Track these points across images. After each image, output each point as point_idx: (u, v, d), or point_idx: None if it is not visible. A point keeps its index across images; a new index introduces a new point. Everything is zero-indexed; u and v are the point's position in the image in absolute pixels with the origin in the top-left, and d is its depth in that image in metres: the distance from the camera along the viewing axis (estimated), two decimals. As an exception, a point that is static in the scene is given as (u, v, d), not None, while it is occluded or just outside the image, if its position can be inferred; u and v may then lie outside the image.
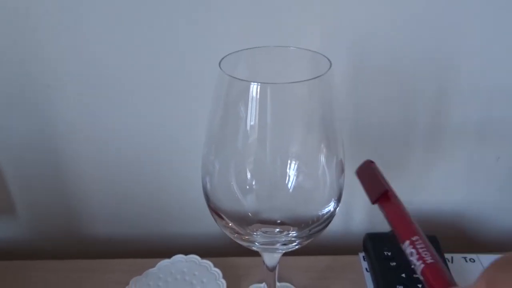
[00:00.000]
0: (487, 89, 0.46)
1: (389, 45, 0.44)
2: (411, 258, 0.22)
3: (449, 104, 0.47)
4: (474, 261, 0.48)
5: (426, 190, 0.52)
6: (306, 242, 0.32)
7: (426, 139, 0.49)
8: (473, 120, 0.48)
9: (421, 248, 0.22)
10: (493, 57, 0.45)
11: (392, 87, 0.46)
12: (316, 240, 0.42)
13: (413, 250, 0.22)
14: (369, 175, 0.27)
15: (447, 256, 0.47)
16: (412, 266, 0.23)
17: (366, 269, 0.47)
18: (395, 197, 0.26)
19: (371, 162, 0.28)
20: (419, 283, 0.41)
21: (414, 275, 0.42)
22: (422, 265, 0.21)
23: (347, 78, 0.45)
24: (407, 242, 0.23)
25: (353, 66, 0.44)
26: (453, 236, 0.54)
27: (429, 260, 0.21)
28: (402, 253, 0.45)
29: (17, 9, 0.42)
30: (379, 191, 0.26)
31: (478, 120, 0.48)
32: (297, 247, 0.33)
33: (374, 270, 0.44)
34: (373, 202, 0.26)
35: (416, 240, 0.23)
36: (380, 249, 0.45)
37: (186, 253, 0.47)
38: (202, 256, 0.47)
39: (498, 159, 0.50)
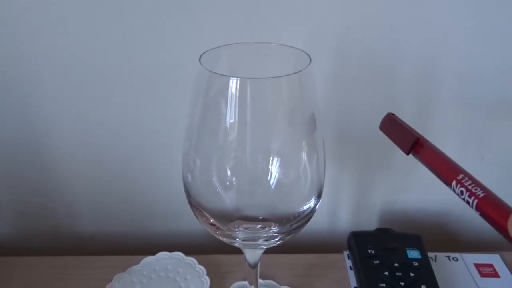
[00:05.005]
0: (470, 90, 0.47)
1: (372, 46, 0.44)
2: (462, 197, 0.22)
3: (433, 105, 0.47)
4: (457, 259, 0.48)
5: (410, 190, 0.53)
6: (287, 238, 0.33)
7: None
8: (457, 120, 0.48)
9: (470, 184, 0.22)
10: (475, 59, 0.45)
11: (376, 87, 0.46)
12: (301, 238, 0.42)
13: (462, 189, 0.22)
14: (395, 127, 0.27)
15: (431, 255, 0.47)
16: (467, 204, 0.22)
17: (350, 267, 0.47)
18: (427, 142, 0.25)
19: (392, 114, 0.28)
20: (401, 281, 0.42)
21: (397, 273, 0.42)
22: (476, 201, 0.21)
23: (331, 78, 0.45)
24: (454, 182, 0.22)
25: (337, 66, 0.45)
26: (437, 235, 0.54)
27: (480, 194, 0.21)
28: (385, 251, 0.45)
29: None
30: (411, 141, 0.25)
31: (462, 120, 0.48)
32: (278, 242, 0.33)
33: (358, 268, 0.44)
34: (408, 153, 0.26)
35: (462, 178, 0.22)
36: (364, 248, 0.45)
37: (170, 250, 0.47)
38: (187, 253, 0.47)
39: (483, 159, 0.50)
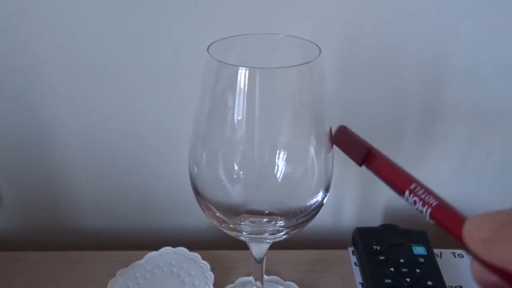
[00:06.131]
0: (476, 88, 0.46)
1: (379, 40, 0.44)
2: (416, 207, 0.22)
3: (439, 101, 0.47)
4: (462, 256, 0.48)
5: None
6: (294, 232, 0.32)
7: (416, 136, 0.49)
8: (463, 117, 0.48)
9: (422, 193, 0.21)
10: (482, 55, 0.44)
11: (382, 84, 0.46)
12: (305, 234, 0.42)
13: (415, 198, 0.22)
14: (347, 140, 0.27)
15: (436, 251, 0.46)
16: (421, 213, 0.22)
17: (355, 263, 0.47)
18: (379, 153, 0.25)
19: (344, 126, 0.28)
20: (407, 277, 0.41)
21: (402, 269, 0.42)
22: (429, 210, 0.21)
23: (337, 73, 0.45)
24: (407, 192, 0.22)
25: (343, 61, 0.44)
26: (442, 232, 0.54)
27: (433, 202, 0.21)
28: (390, 247, 0.45)
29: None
30: (362, 152, 0.25)
31: (467, 117, 0.48)
32: (284, 236, 0.32)
33: (363, 264, 0.44)
34: (360, 165, 0.25)
35: (415, 188, 0.22)
36: (369, 243, 0.45)
37: (174, 245, 0.47)
38: (190, 248, 0.47)
39: (488, 156, 0.50)
